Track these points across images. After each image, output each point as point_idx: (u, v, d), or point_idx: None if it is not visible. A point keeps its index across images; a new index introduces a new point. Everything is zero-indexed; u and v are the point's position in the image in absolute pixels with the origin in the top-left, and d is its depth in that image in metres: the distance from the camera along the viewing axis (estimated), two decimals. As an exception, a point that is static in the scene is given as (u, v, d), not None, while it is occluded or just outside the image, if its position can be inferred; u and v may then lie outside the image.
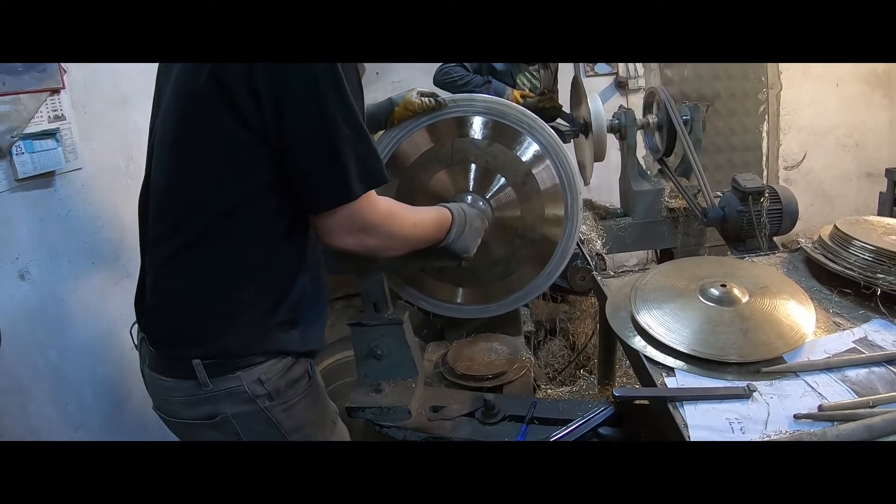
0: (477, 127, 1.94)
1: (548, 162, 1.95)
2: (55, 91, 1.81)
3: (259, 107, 1.11)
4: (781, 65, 5.44)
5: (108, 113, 2.06)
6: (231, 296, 1.22)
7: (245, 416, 1.25)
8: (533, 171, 1.96)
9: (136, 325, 1.35)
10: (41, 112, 1.76)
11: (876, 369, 1.25)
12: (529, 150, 1.95)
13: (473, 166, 1.95)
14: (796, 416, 1.11)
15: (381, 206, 1.28)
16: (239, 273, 1.22)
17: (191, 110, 1.16)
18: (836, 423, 1.09)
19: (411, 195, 1.91)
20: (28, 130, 1.72)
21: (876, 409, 1.10)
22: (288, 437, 1.30)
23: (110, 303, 2.05)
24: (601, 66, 5.22)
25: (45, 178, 1.78)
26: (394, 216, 1.34)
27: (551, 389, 2.35)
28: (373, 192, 1.24)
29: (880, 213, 4.09)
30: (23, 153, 1.68)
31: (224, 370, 1.22)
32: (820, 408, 1.12)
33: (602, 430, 1.47)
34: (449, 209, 1.58)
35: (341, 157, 1.16)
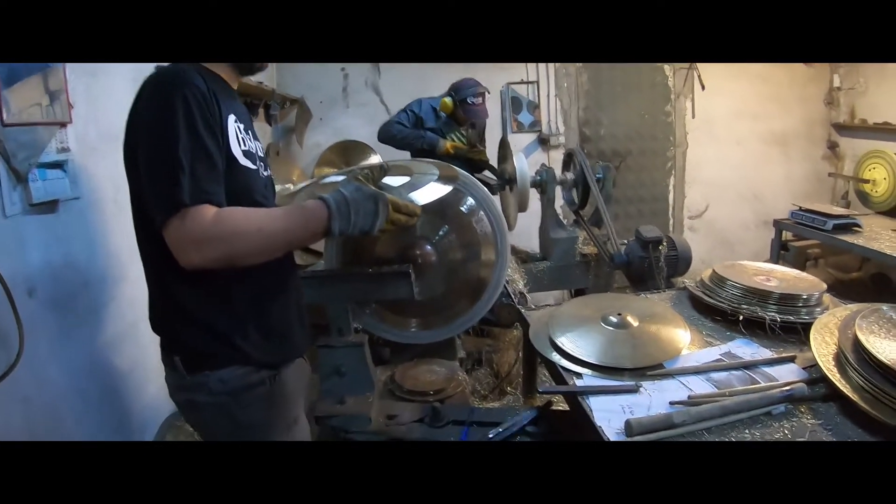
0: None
1: (481, 213, 2.29)
2: (63, 125, 1.93)
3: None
4: (688, 125, 5.94)
5: (101, 147, 2.14)
6: (179, 306, 1.42)
7: (210, 406, 1.46)
8: (471, 221, 2.29)
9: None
10: (51, 144, 1.86)
11: (735, 372, 1.65)
12: (466, 203, 2.28)
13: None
14: (671, 403, 1.48)
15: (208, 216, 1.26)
16: (176, 288, 1.40)
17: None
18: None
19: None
20: (41, 160, 1.82)
21: (729, 398, 1.47)
22: (241, 430, 1.49)
23: (102, 321, 2.19)
24: (524, 117, 5.63)
25: (52, 205, 1.89)
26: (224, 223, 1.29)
27: (483, 404, 2.63)
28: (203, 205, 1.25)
29: (771, 257, 4.71)
30: (37, 180, 1.79)
31: (196, 368, 1.44)
32: (689, 397, 1.50)
33: (529, 429, 1.78)
34: (325, 201, 1.37)
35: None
